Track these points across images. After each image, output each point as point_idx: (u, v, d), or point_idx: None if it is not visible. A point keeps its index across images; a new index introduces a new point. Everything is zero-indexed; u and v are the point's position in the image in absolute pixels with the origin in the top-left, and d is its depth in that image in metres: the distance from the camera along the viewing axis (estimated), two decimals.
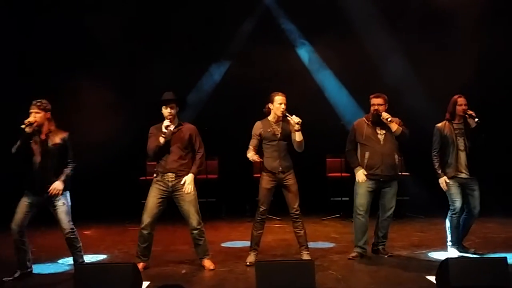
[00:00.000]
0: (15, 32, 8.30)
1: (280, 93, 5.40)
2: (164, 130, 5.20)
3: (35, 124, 4.92)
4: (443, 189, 5.66)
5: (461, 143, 5.63)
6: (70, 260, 5.64)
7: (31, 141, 4.96)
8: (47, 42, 8.37)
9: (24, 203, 5.01)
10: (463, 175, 5.61)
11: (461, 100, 5.65)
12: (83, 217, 7.98)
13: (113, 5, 8.56)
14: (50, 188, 4.95)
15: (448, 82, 7.62)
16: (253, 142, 5.40)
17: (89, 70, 8.28)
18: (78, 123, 8.24)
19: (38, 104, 4.98)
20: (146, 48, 8.86)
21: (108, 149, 8.33)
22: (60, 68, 8.34)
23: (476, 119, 5.53)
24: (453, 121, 5.69)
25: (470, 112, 5.61)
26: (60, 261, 5.37)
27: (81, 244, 5.21)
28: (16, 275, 5.04)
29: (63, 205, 5.04)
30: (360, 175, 5.59)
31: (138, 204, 5.68)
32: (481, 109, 5.75)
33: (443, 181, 5.63)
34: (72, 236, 5.10)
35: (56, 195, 4.99)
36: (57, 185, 4.98)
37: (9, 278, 4.98)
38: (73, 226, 5.12)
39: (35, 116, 4.94)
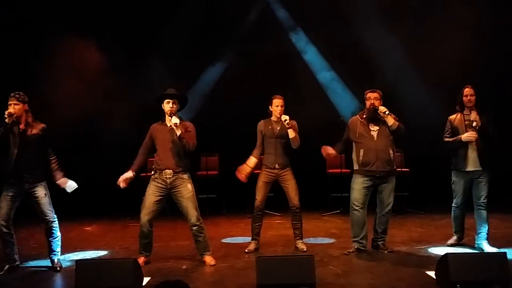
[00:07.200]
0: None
1: (278, 96, 5.76)
2: (174, 127, 5.18)
3: (14, 115, 4.99)
4: (469, 138, 5.46)
5: None
6: (71, 255, 5.68)
7: (10, 133, 5.02)
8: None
9: (6, 197, 5.08)
10: (470, 168, 5.53)
11: (466, 91, 5.54)
12: (84, 213, 8.09)
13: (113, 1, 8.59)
14: (61, 184, 5.13)
15: (449, 75, 7.57)
16: (258, 140, 5.84)
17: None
18: (78, 120, 8.30)
19: (17, 96, 5.05)
20: (144, 46, 8.87)
21: (108, 146, 8.34)
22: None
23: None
24: (464, 112, 5.60)
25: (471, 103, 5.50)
26: (61, 257, 5.39)
27: (60, 234, 5.29)
28: (5, 268, 5.10)
29: (45, 196, 5.16)
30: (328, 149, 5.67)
31: (138, 201, 5.69)
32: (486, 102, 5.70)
33: (469, 133, 5.47)
34: (54, 226, 5.22)
35: (35, 186, 5.10)
36: (70, 184, 5.17)
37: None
38: (55, 216, 5.23)
39: (14, 107, 5.01)
